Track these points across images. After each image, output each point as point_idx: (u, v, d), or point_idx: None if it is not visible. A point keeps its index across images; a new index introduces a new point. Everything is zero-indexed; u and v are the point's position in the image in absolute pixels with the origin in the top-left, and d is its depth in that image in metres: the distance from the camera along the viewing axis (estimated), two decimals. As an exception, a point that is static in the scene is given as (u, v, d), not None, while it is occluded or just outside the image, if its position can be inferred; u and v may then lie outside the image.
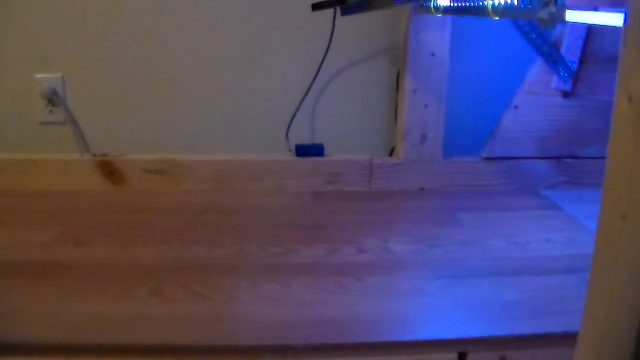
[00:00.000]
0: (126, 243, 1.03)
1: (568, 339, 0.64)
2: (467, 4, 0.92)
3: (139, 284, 0.88)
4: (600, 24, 0.65)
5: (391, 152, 1.38)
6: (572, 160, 1.33)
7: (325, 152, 1.33)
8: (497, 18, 0.83)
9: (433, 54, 1.26)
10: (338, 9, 1.24)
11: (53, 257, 0.97)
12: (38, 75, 1.30)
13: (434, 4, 1.06)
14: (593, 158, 1.32)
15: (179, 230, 1.09)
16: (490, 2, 0.81)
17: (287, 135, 1.35)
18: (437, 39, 1.26)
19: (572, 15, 0.67)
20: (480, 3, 0.85)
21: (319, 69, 1.32)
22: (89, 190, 1.28)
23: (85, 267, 0.93)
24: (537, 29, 1.19)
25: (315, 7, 1.22)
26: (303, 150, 1.32)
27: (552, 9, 0.67)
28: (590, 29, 1.23)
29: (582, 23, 1.11)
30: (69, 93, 1.32)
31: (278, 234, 1.08)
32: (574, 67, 1.24)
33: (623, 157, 0.45)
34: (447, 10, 1.05)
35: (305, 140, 1.37)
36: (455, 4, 0.97)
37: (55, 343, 0.74)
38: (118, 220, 1.14)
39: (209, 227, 1.11)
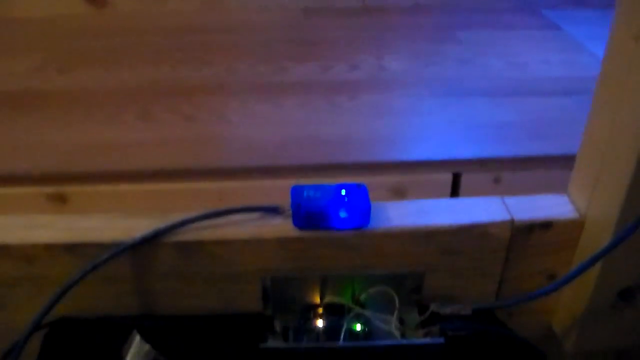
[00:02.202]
0: (111, 67, 1.00)
1: (565, 161, 0.64)
2: None
3: (126, 109, 0.86)
4: None
5: (385, -36, 1.30)
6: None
7: (316, -35, 1.26)
8: None
9: None
10: None
11: (36, 85, 0.94)
12: None
13: None
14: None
15: (166, 51, 1.06)
16: None
17: (275, -54, 1.27)
18: None
19: None
20: None
21: None
22: (70, 14, 1.22)
23: (70, 94, 0.91)
24: None
25: None
26: (293, -37, 1.25)
27: None
28: None
29: None
30: None
31: (268, 51, 1.05)
32: None
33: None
34: None
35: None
36: None
37: (43, 172, 0.73)
38: (102, 44, 1.09)
39: (196, 47, 1.07)
